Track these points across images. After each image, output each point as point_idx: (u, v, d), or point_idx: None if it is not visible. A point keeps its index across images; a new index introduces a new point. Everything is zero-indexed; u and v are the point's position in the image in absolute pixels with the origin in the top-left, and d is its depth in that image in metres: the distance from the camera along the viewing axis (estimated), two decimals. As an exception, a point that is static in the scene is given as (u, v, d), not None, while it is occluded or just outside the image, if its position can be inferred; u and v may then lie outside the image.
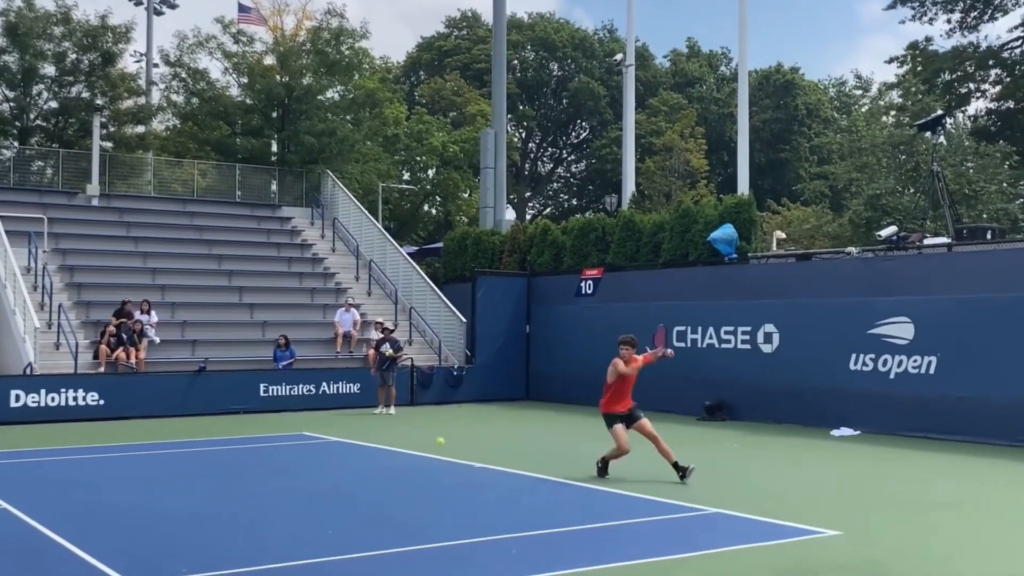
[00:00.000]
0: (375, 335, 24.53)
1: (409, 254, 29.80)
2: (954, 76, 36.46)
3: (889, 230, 19.33)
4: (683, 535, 9.12)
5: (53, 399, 19.53)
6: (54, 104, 32.21)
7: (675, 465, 11.88)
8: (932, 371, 16.65)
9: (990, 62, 35.72)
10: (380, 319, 25.08)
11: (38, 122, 32.44)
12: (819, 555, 8.16)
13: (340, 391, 22.50)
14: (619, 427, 12.03)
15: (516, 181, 57.52)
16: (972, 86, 36.89)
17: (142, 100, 34.72)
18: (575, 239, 25.43)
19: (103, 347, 21.31)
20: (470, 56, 58.75)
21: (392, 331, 22.51)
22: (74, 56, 31.81)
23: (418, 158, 47.14)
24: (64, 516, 9.79)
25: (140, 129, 34.22)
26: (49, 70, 31.61)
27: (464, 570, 7.65)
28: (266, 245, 29.19)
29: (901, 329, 17.19)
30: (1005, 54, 35.50)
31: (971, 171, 30.93)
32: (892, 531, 9.21)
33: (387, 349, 21.30)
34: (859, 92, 60.49)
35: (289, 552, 8.17)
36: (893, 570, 7.68)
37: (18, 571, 7.68)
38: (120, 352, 21.40)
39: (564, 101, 61.55)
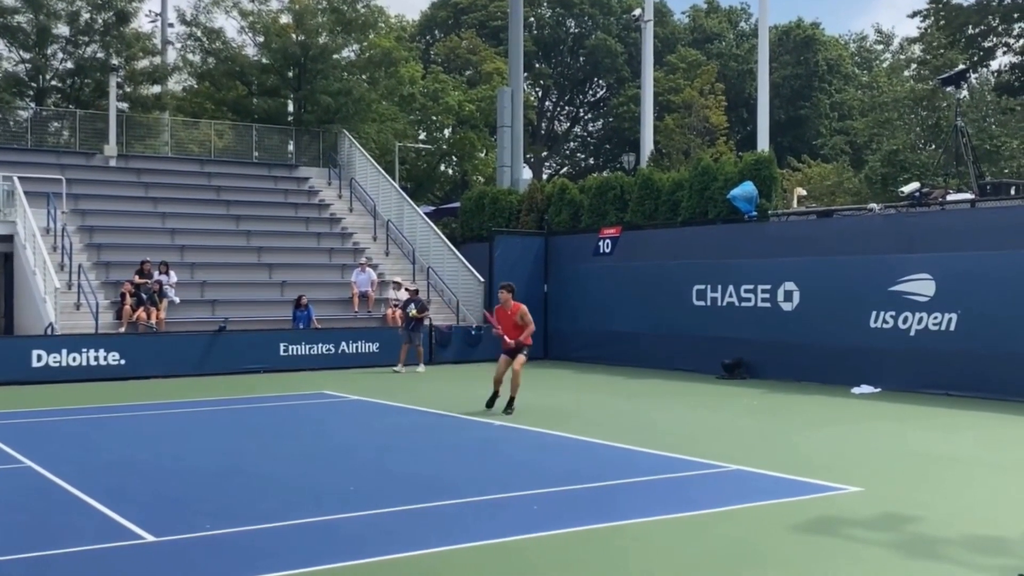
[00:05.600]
0: (393, 294, 24.64)
1: (426, 214, 29.76)
2: (978, 30, 35.89)
3: (911, 186, 19.10)
4: (703, 492, 9.11)
5: (74, 359, 19.67)
6: (69, 64, 32.14)
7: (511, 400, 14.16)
8: (953, 328, 16.53)
9: (1015, 15, 35.13)
10: (397, 279, 25.19)
11: (54, 83, 32.39)
12: (840, 511, 8.14)
13: (359, 351, 22.59)
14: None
15: (533, 140, 57.23)
16: (996, 40, 36.31)
17: (157, 60, 34.60)
18: (593, 198, 25.30)
19: (126, 307, 21.42)
20: (486, 13, 58.24)
21: (417, 291, 22.74)
22: (88, 15, 31.67)
23: (434, 117, 46.95)
24: (86, 473, 9.87)
25: (156, 89, 34.14)
26: (63, 30, 31.51)
27: (486, 526, 7.68)
28: (284, 205, 29.20)
29: (922, 286, 17.05)
30: (1030, 7, 34.88)
31: (993, 126, 30.56)
32: (914, 487, 9.18)
33: (412, 309, 21.50)
34: (880, 47, 59.73)
35: (311, 508, 8.22)
36: (915, 525, 7.65)
37: (42, 526, 7.75)
38: (140, 312, 21.52)
39: (581, 59, 61.04)
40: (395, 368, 21.39)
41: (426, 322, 22.37)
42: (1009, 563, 6.46)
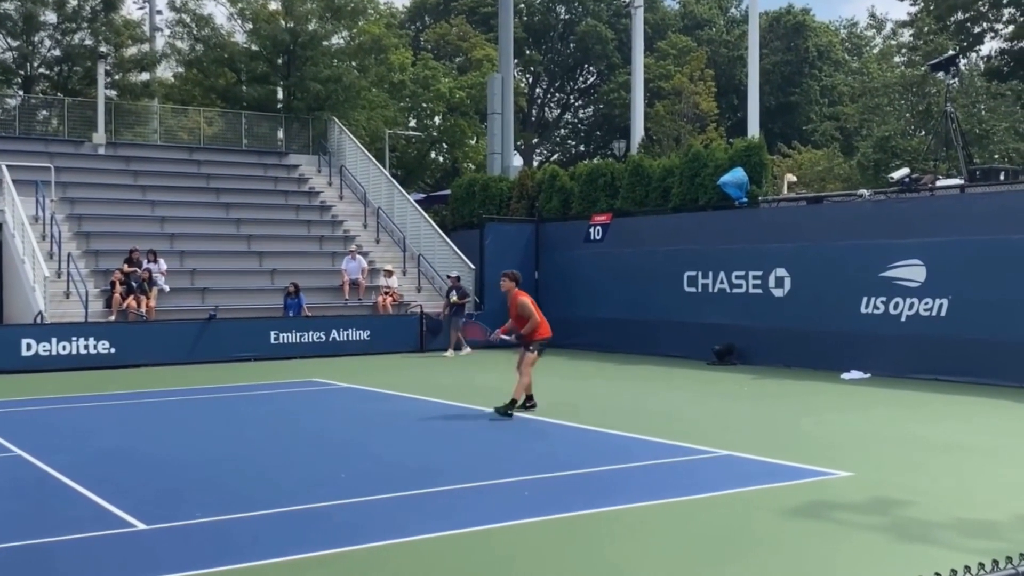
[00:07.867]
0: (384, 282, 24.66)
1: (417, 201, 29.70)
2: (967, 15, 35.92)
3: (901, 172, 19.13)
4: (693, 477, 9.13)
5: (64, 347, 19.61)
6: (57, 52, 31.99)
7: (515, 402, 12.70)
8: (943, 313, 16.58)
9: (1004, 1, 35.16)
10: (388, 267, 25.20)
11: (42, 70, 32.24)
12: (830, 495, 8.17)
13: (350, 338, 22.57)
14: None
15: (523, 127, 57.07)
16: (985, 25, 36.34)
17: (146, 47, 34.43)
18: (583, 185, 25.28)
19: (116, 296, 21.36)
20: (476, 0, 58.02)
21: (459, 278, 23.41)
22: (75, 2, 31.50)
23: (424, 104, 46.78)
24: (78, 462, 9.84)
25: (145, 77, 34.00)
26: (50, 17, 31.34)
27: (477, 513, 7.68)
28: (274, 193, 29.11)
29: (913, 272, 17.09)
30: (1019, -7, 34.91)
31: (983, 111, 30.59)
32: (903, 471, 9.21)
33: (454, 295, 22.40)
34: (871, 33, 59.68)
35: (303, 495, 8.20)
36: (905, 509, 7.68)
37: (33, 515, 7.73)
38: (130, 300, 21.45)
39: (571, 45, 60.85)
40: (446, 354, 22.05)
41: (467, 308, 23.10)
42: (999, 547, 6.48)
